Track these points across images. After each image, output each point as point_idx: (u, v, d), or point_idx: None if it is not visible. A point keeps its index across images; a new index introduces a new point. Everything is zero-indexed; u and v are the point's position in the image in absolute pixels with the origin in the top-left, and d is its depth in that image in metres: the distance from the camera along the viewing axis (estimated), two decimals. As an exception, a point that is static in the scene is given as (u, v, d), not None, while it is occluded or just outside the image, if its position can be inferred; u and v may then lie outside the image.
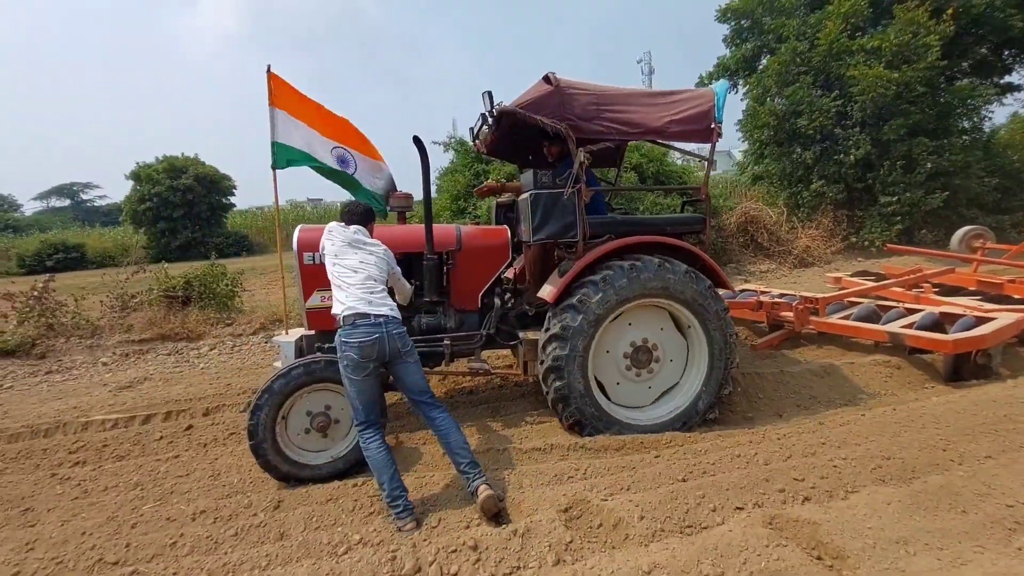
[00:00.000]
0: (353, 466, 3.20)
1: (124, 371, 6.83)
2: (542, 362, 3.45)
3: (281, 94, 4.38)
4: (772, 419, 3.80)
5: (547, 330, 3.44)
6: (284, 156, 4.38)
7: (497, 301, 3.90)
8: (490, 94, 3.53)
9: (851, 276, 6.97)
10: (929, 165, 10.38)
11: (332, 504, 2.86)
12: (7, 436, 4.34)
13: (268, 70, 4.33)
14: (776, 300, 5.45)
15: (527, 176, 3.89)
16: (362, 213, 3.19)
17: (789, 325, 5.16)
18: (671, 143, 3.90)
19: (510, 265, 4.02)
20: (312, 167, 4.59)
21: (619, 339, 3.59)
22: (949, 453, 2.93)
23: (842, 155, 10.98)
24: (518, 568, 2.24)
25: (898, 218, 10.69)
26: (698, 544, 2.24)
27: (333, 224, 3.15)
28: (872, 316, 4.99)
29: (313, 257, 3.54)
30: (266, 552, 2.45)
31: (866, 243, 10.95)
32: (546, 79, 3.37)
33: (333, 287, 2.94)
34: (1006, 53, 11.77)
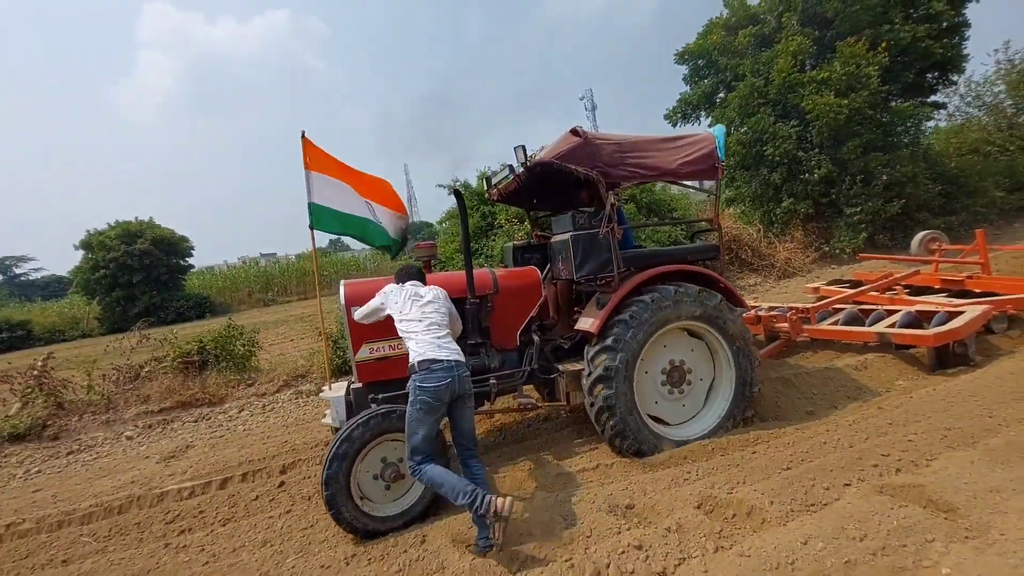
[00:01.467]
0: (426, 511, 3.38)
1: (156, 442, 6.76)
2: (590, 374, 3.73)
3: (315, 158, 4.57)
4: (806, 417, 4.22)
5: (596, 346, 3.74)
6: (322, 218, 4.57)
7: (535, 338, 4.12)
8: (524, 148, 3.91)
9: (827, 285, 7.50)
10: (884, 177, 11.53)
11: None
12: (79, 518, 4.32)
13: (303, 136, 4.51)
14: (770, 313, 5.87)
15: (559, 220, 4.27)
16: (415, 273, 3.50)
17: (785, 335, 5.57)
18: (681, 182, 4.35)
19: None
20: (342, 233, 4.83)
21: (654, 363, 3.94)
22: (995, 419, 3.44)
23: (806, 174, 12.07)
24: (685, 559, 2.54)
25: (863, 226, 11.72)
26: (830, 516, 2.61)
27: (389, 286, 3.43)
28: (857, 319, 5.49)
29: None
30: (450, 576, 2.65)
31: (837, 251, 11.92)
32: (574, 132, 3.75)
33: (405, 341, 3.19)
34: (930, 76, 13.36)
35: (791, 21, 12.69)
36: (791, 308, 5.80)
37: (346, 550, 3.14)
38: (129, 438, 7.03)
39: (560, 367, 4.04)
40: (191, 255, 22.24)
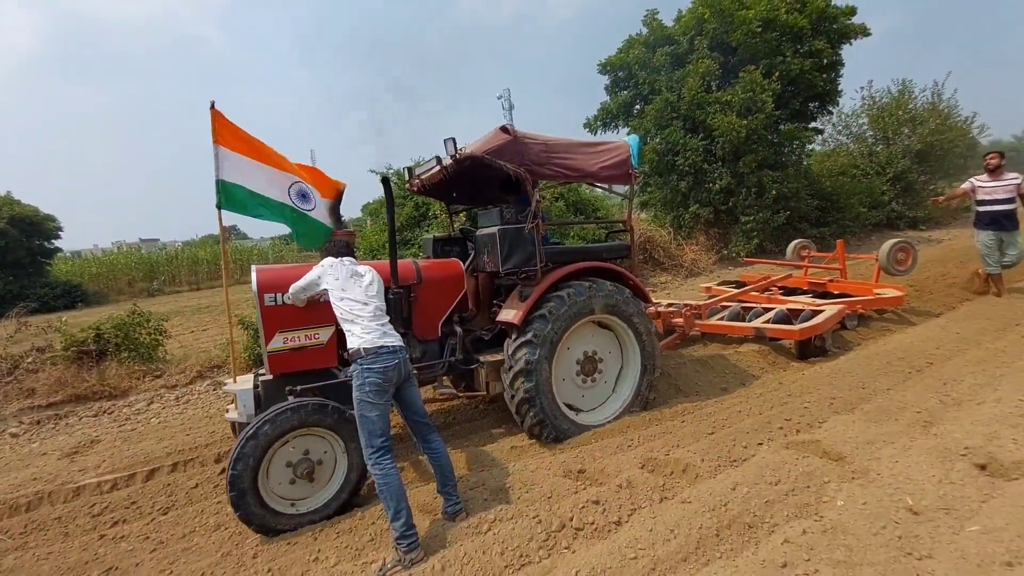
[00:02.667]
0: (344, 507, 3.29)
1: (51, 438, 6.16)
2: (510, 368, 3.86)
3: (225, 131, 4.19)
4: (721, 392, 4.85)
5: (517, 340, 3.86)
6: (231, 197, 4.20)
7: (457, 329, 4.17)
8: (454, 140, 3.88)
9: (718, 285, 8.28)
10: (774, 191, 13.08)
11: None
12: None
13: (212, 107, 4.14)
14: (668, 309, 6.41)
15: (487, 214, 4.41)
16: (346, 245, 3.41)
17: (680, 328, 5.95)
18: (599, 185, 4.59)
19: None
20: (254, 214, 4.35)
21: (570, 354, 4.19)
22: (867, 389, 4.22)
23: (710, 184, 13.35)
24: (636, 509, 2.92)
25: (754, 233, 13.20)
26: (750, 467, 3.11)
27: (327, 260, 3.31)
28: (739, 316, 6.18)
29: (275, 298, 3.52)
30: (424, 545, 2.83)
31: (733, 254, 13.32)
32: (504, 129, 3.83)
33: (344, 321, 3.08)
34: (812, 105, 15.32)
35: (702, 45, 13.95)
36: (686, 305, 6.34)
37: (314, 525, 3.19)
38: (14, 435, 6.30)
39: (480, 358, 4.12)
40: (58, 237, 19.52)
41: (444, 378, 4.32)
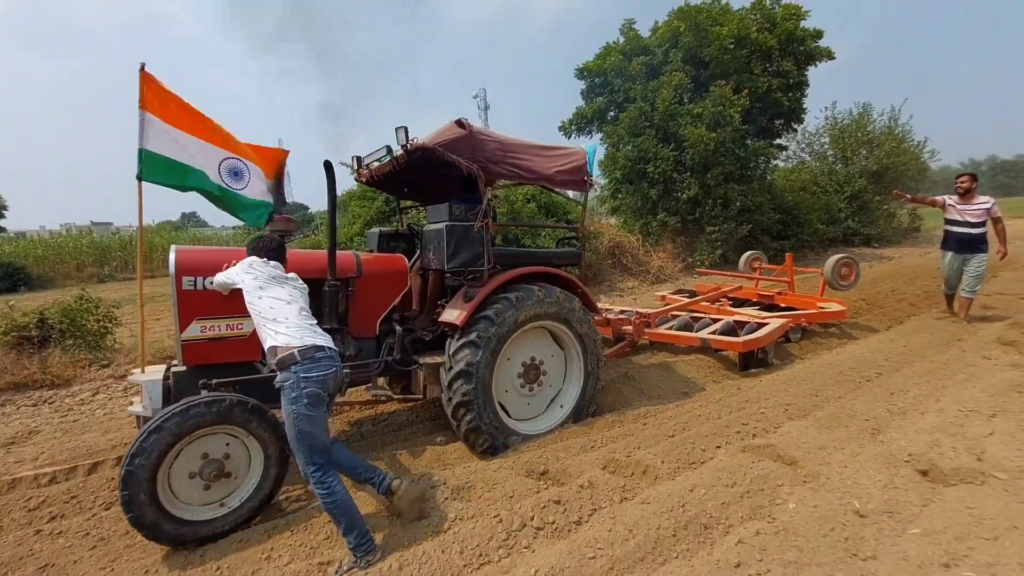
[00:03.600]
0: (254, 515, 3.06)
1: (-16, 429, 5.78)
2: (450, 368, 3.69)
3: (154, 97, 3.85)
4: (683, 397, 4.93)
5: (459, 340, 3.69)
6: (154, 168, 3.86)
7: (397, 328, 3.98)
8: (405, 129, 3.70)
9: (672, 294, 8.32)
10: (739, 204, 13.48)
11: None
12: None
13: (141, 69, 3.80)
14: (619, 316, 6.30)
15: (435, 209, 4.27)
16: (276, 249, 3.07)
17: (629, 336, 5.99)
18: (555, 189, 4.50)
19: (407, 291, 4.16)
20: (181, 187, 4.05)
21: (513, 360, 4.03)
22: (820, 397, 4.37)
23: (679, 193, 13.66)
24: (597, 509, 2.94)
25: (719, 243, 13.57)
26: (708, 470, 3.18)
27: (253, 258, 3.02)
28: (688, 326, 6.18)
29: (194, 282, 3.27)
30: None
31: (698, 263, 13.65)
32: (459, 123, 3.68)
33: (264, 320, 2.76)
34: (778, 123, 15.88)
35: (676, 58, 14.27)
36: (637, 313, 6.38)
37: (265, 524, 3.09)
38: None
39: (419, 360, 3.95)
40: (2, 216, 18.41)
41: (380, 379, 4.13)
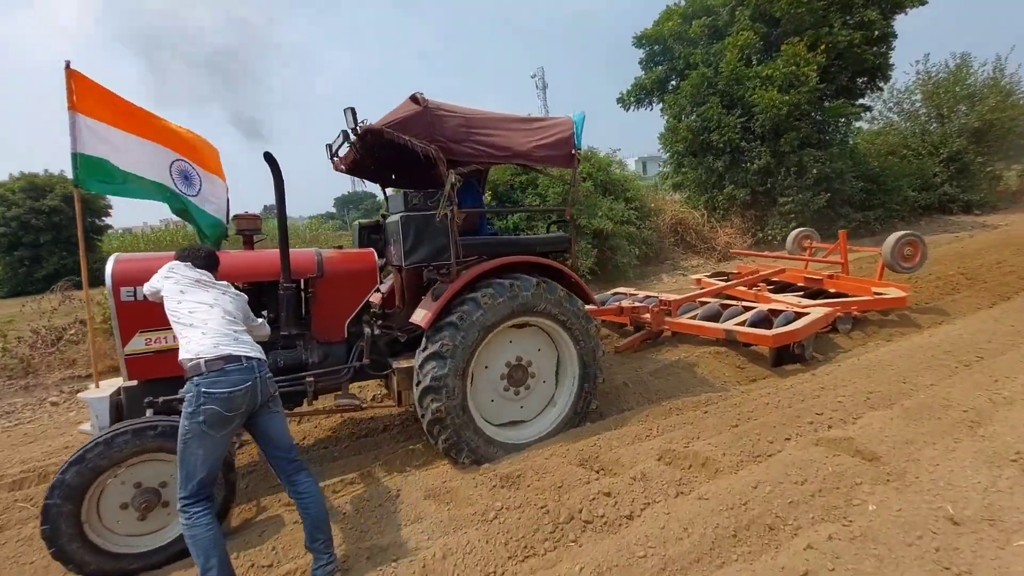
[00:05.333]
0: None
1: (86, 408, 6.33)
2: (418, 383, 3.34)
3: (87, 96, 3.55)
4: (748, 383, 4.62)
5: (425, 351, 3.35)
6: (93, 174, 3.57)
7: (367, 330, 3.64)
8: (353, 111, 3.34)
9: (709, 277, 7.64)
10: (816, 171, 12.44)
11: (447, 485, 3.21)
12: (9, 484, 4.04)
13: (67, 67, 3.56)
14: (636, 304, 5.77)
15: (394, 198, 3.89)
16: (205, 257, 2.80)
17: (649, 326, 5.57)
18: (536, 167, 3.96)
19: (376, 290, 3.85)
20: (122, 193, 3.73)
21: (496, 359, 3.64)
22: (909, 384, 3.94)
23: (747, 164, 12.79)
24: (649, 503, 2.78)
25: (792, 216, 12.62)
26: (775, 464, 2.93)
27: (175, 262, 2.75)
28: (715, 315, 5.50)
29: (134, 292, 3.01)
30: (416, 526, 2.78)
31: (770, 238, 12.80)
32: (413, 99, 3.29)
33: (181, 327, 2.47)
34: (860, 81, 14.41)
35: (743, 16, 13.24)
36: (658, 300, 5.85)
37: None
38: (54, 404, 6.56)
39: (394, 363, 3.58)
40: (108, 214, 20.22)
41: (350, 385, 3.74)
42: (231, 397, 2.31)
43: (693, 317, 5.57)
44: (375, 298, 4.07)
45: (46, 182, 18.18)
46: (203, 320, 2.47)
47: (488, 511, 2.84)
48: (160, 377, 3.09)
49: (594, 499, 2.80)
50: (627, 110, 15.55)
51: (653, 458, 3.19)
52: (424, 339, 3.41)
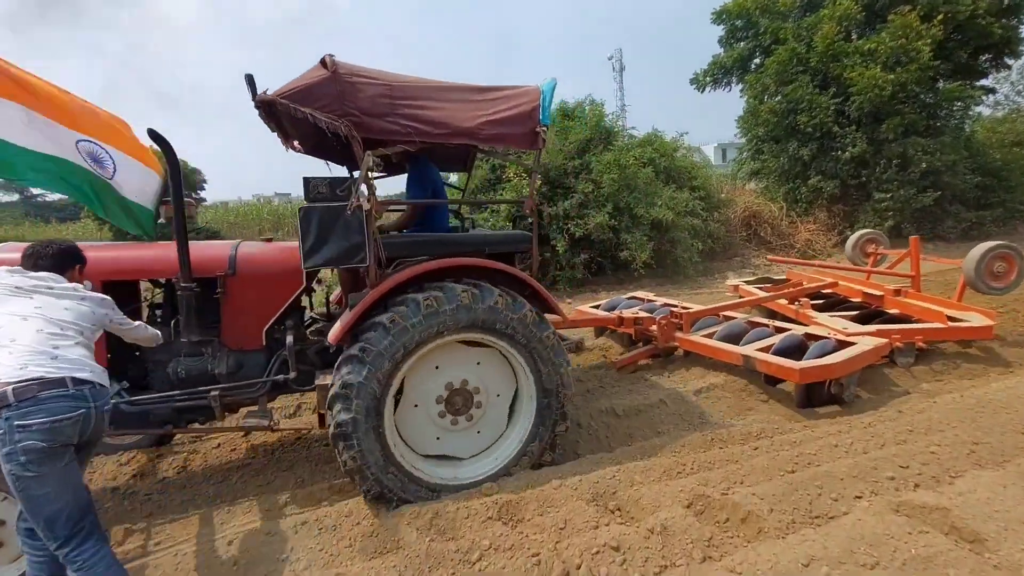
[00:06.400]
0: None
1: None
2: (330, 386, 2.81)
3: None
4: (814, 416, 3.84)
5: (345, 351, 2.84)
6: None
7: (288, 338, 3.11)
8: (250, 78, 2.74)
9: (749, 284, 6.63)
10: (923, 164, 10.83)
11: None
12: None
13: None
14: (640, 314, 5.08)
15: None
16: (53, 256, 2.30)
17: (655, 341, 4.85)
18: (485, 147, 3.29)
19: (308, 291, 3.39)
20: (29, 181, 3.14)
21: (430, 381, 3.03)
22: (1031, 438, 3.08)
23: (839, 152, 11.38)
24: (666, 567, 2.25)
25: (889, 214, 11.12)
26: (839, 533, 2.29)
27: (2, 269, 2.23)
28: (739, 335, 4.59)
29: None
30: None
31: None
32: (323, 62, 2.73)
33: None
34: (983, 58, 12.37)
35: (843, -17, 11.69)
36: (669, 311, 5.02)
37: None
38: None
39: (318, 378, 3.04)
40: (203, 188, 22.27)
41: (267, 401, 3.30)
42: (55, 428, 1.90)
43: (711, 335, 4.67)
44: (334, 297, 3.65)
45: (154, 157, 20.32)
46: (11, 337, 2.00)
47: (472, 550, 2.43)
48: None
49: (598, 553, 2.31)
50: (701, 92, 14.36)
51: (681, 504, 2.62)
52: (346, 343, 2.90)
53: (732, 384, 4.37)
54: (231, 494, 3.29)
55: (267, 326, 3.15)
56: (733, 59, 13.52)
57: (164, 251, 3.09)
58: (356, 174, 3.17)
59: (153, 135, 2.84)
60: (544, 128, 3.06)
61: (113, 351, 2.95)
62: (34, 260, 2.29)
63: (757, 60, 13.55)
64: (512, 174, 8.81)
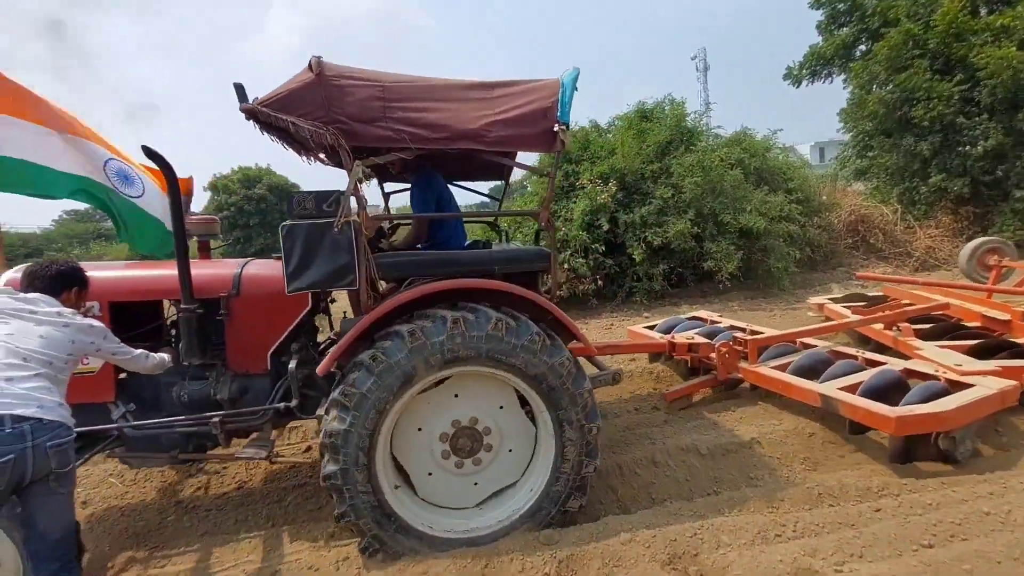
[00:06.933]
0: None
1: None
2: (320, 432, 2.59)
3: (4, 93, 3.03)
4: (965, 464, 3.09)
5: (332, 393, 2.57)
6: (7, 174, 3.05)
7: (293, 362, 2.90)
8: (239, 87, 2.54)
9: (837, 302, 5.63)
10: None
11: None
12: None
13: None
14: (693, 340, 4.38)
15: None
16: (51, 278, 2.26)
17: (714, 371, 4.22)
18: (486, 152, 2.82)
19: (315, 312, 3.17)
20: (42, 193, 3.19)
21: (437, 417, 2.71)
22: None
23: (967, 146, 9.86)
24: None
25: (1035, 214, 9.44)
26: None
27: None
28: (817, 367, 3.81)
29: None
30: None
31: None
32: (310, 66, 2.52)
33: None
34: None
35: (970, -49, 10.19)
36: (733, 336, 4.30)
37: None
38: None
39: (320, 409, 2.79)
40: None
41: (271, 430, 3.13)
42: None
43: (785, 366, 3.93)
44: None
45: (256, 174, 22.21)
46: None
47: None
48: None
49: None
50: (796, 86, 13.13)
51: (781, 580, 2.15)
52: (335, 383, 2.63)
53: (808, 430, 3.64)
54: (283, 516, 3.20)
55: (272, 349, 2.97)
56: (835, 47, 12.21)
57: (174, 271, 3.00)
58: (376, 184, 2.94)
59: (148, 152, 2.76)
60: (564, 127, 2.67)
61: (123, 371, 2.90)
62: (30, 281, 2.26)
63: (863, 46, 12.17)
64: (587, 180, 8.42)
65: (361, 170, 2.61)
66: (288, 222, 2.62)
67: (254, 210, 21.35)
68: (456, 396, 2.73)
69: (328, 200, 2.61)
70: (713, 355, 4.15)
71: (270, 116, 2.46)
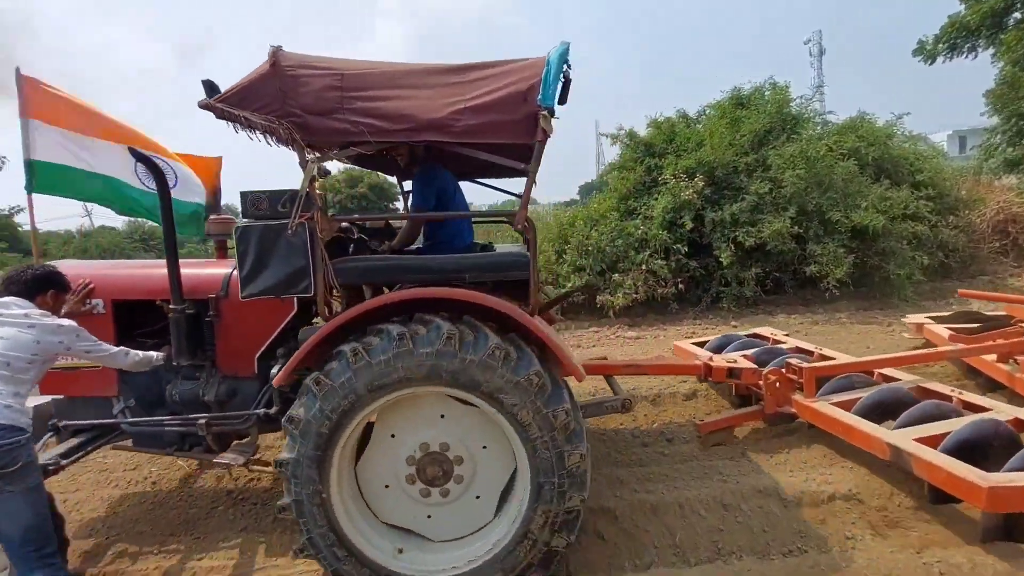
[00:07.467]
0: None
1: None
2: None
3: (41, 101, 3.55)
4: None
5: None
6: (46, 178, 3.61)
7: (276, 367, 2.80)
8: (209, 84, 2.39)
9: (942, 322, 4.67)
10: None
11: None
12: None
13: (17, 72, 3.54)
14: (735, 363, 3.73)
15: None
16: (27, 282, 2.32)
17: (762, 402, 3.52)
18: (454, 143, 2.44)
19: (308, 317, 3.03)
20: (81, 197, 3.78)
21: (410, 429, 2.47)
22: None
23: None
24: None
25: None
26: None
27: None
28: (893, 407, 3.06)
29: None
30: None
31: None
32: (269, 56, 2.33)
33: None
34: None
35: None
36: (787, 362, 3.57)
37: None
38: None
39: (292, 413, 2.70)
40: (398, 199, 26.05)
41: (257, 435, 3.04)
42: None
43: (850, 403, 3.19)
44: None
45: (358, 174, 24.00)
46: None
47: None
48: (68, 395, 2.95)
49: None
50: (929, 63, 11.33)
51: None
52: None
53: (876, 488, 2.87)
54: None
55: (259, 353, 2.90)
56: (981, 15, 10.34)
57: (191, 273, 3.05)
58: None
59: (134, 153, 2.88)
60: (546, 111, 2.25)
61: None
62: (5, 286, 2.32)
63: (1018, 13, 10.25)
64: (670, 175, 7.75)
65: (317, 167, 2.41)
66: (242, 223, 2.49)
67: (355, 208, 23.21)
68: (442, 416, 2.48)
69: (283, 199, 2.44)
70: (761, 383, 3.50)
71: (223, 112, 2.32)
